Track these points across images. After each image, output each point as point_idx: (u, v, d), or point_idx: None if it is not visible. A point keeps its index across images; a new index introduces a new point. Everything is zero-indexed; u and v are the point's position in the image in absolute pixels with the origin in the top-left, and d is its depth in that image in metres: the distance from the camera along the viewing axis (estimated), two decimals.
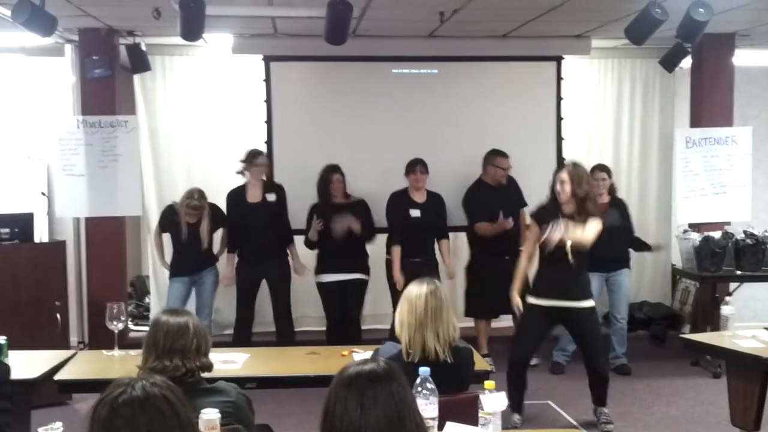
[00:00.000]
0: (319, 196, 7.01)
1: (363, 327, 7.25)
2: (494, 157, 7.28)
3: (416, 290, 3.65)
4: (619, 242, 7.25)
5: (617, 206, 7.32)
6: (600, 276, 7.20)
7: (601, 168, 7.34)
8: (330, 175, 6.97)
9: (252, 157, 6.94)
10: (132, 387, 2.10)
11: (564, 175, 5.61)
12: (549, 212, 5.65)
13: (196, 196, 6.81)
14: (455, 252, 7.80)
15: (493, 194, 7.29)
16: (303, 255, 7.22)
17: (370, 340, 5.84)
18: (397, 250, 7.02)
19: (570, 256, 5.52)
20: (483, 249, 7.31)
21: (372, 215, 7.12)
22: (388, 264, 7.14)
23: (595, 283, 7.21)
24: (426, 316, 3.59)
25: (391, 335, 4.72)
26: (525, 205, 7.39)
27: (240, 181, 7.04)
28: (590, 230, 5.53)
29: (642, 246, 7.48)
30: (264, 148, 7.59)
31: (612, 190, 7.35)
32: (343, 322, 7.09)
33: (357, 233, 6.91)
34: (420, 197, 7.16)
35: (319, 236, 6.97)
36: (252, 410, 3.25)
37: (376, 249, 7.30)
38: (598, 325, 6.00)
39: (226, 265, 7.07)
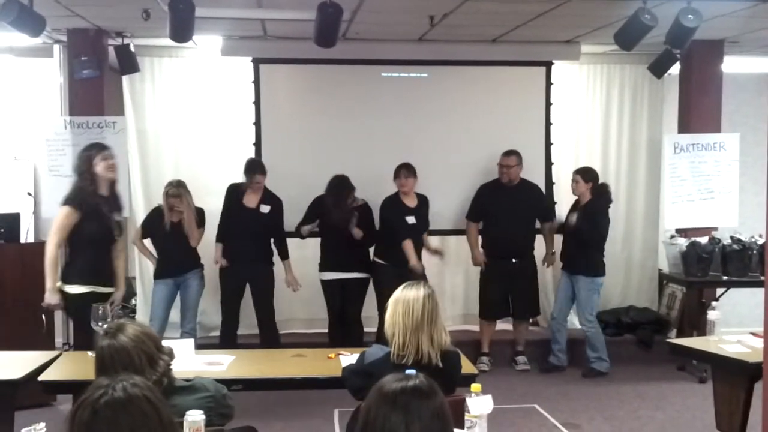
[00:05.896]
0: (333, 201, 6.99)
1: None
2: (501, 155, 7.41)
3: (413, 293, 3.62)
4: (573, 248, 7.43)
5: (584, 212, 7.36)
6: (565, 275, 7.49)
7: (576, 171, 7.45)
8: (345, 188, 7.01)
9: (250, 173, 6.92)
10: (113, 388, 2.08)
11: None
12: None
13: (174, 183, 6.84)
14: (458, 253, 7.97)
15: (500, 194, 7.42)
16: (299, 257, 7.28)
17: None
18: (408, 243, 7.01)
19: None
20: (491, 252, 7.48)
21: (373, 221, 7.14)
22: (376, 266, 7.16)
23: (564, 282, 7.51)
24: (423, 320, 3.58)
25: (379, 338, 4.72)
26: (548, 215, 7.58)
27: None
28: None
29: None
30: (252, 150, 7.58)
31: (586, 194, 7.33)
32: (344, 321, 7.12)
33: (359, 239, 6.97)
34: (411, 202, 7.22)
35: (320, 232, 7.08)
36: (230, 398, 3.26)
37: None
38: None
39: (214, 251, 7.06)
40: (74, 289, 5.33)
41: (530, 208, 7.50)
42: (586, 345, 7.40)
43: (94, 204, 5.32)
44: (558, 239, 7.66)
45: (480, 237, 7.57)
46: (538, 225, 7.67)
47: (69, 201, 5.35)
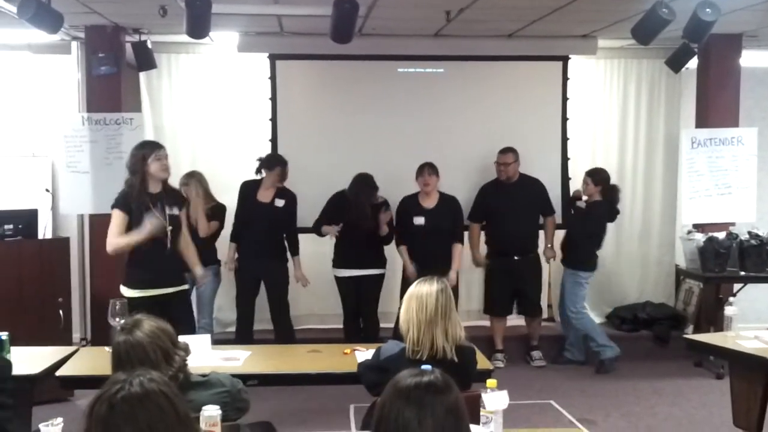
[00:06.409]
0: (355, 199, 6.94)
1: None
2: (497, 153, 7.38)
3: (426, 288, 3.63)
4: (564, 240, 7.53)
5: (583, 209, 7.46)
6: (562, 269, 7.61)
7: (587, 173, 7.45)
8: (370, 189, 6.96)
9: (277, 166, 6.89)
10: (130, 383, 2.09)
11: None
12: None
13: (187, 174, 6.97)
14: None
15: (501, 192, 7.39)
16: (314, 253, 7.30)
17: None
18: (404, 248, 7.08)
19: None
20: (494, 249, 7.48)
21: (392, 219, 7.12)
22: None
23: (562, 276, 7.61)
24: (436, 314, 3.59)
25: (395, 333, 4.72)
26: (548, 209, 7.51)
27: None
28: None
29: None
30: (268, 147, 7.59)
31: (595, 196, 7.33)
32: (360, 317, 7.13)
33: (381, 234, 6.95)
34: (430, 202, 7.12)
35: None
36: (246, 392, 3.29)
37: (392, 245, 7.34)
38: None
39: (227, 252, 7.08)
40: (130, 292, 5.28)
41: (531, 204, 7.46)
42: (587, 338, 7.40)
43: (141, 203, 5.30)
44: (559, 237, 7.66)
45: (484, 235, 7.55)
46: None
47: (117, 204, 5.36)
